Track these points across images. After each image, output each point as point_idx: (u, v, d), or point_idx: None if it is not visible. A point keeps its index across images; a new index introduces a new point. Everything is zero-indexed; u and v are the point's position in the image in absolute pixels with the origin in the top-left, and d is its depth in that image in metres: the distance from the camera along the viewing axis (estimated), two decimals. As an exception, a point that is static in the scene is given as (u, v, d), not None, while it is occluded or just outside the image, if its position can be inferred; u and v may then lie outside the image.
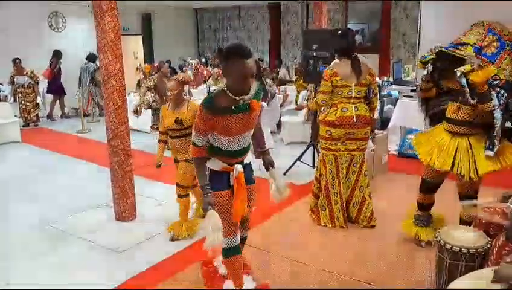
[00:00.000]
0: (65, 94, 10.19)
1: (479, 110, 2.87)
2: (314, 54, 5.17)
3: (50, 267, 3.41)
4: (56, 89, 10.08)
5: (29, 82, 9.33)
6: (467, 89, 2.78)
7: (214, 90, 2.42)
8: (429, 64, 3.09)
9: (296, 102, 8.14)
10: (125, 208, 4.22)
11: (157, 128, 7.01)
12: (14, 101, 9.35)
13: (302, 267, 3.28)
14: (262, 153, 2.73)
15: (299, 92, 8.23)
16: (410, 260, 3.34)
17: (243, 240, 2.81)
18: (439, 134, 3.17)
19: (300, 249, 3.56)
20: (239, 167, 2.50)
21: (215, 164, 2.52)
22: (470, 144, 2.98)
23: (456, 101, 3.03)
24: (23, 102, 9.32)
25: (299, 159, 5.69)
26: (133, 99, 8.43)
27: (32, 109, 9.48)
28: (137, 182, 4.44)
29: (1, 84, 9.40)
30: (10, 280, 3.23)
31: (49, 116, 10.12)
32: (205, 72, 10.56)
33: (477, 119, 2.97)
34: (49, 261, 3.51)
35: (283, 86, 9.31)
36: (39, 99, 9.78)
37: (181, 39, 14.75)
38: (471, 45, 2.87)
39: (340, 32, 3.85)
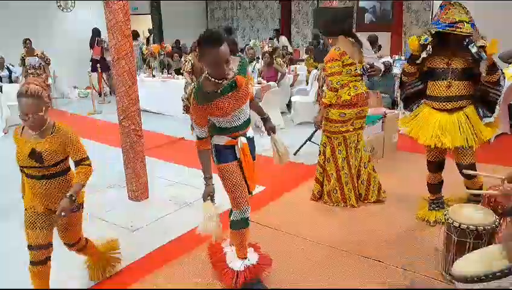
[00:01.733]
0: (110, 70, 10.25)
1: (482, 81, 3.03)
2: (325, 32, 5.10)
3: (63, 247, 3.49)
4: (103, 65, 10.15)
5: (40, 63, 9.38)
6: (486, 62, 2.90)
7: (199, 81, 2.50)
8: (429, 46, 3.13)
9: (307, 82, 8.10)
10: (137, 188, 4.29)
11: (187, 111, 7.00)
12: (26, 82, 9.43)
13: (311, 245, 3.33)
14: (263, 120, 2.89)
15: (309, 72, 8.17)
16: (419, 237, 3.36)
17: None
18: (431, 116, 3.25)
19: (310, 228, 3.60)
20: (243, 139, 2.62)
21: (220, 140, 2.63)
22: (466, 115, 3.15)
23: (444, 79, 3.14)
24: (34, 83, 9.41)
25: (309, 139, 5.69)
26: (144, 79, 8.44)
27: (43, 90, 9.57)
28: (149, 163, 4.50)
29: (12, 65, 9.46)
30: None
31: (100, 94, 10.17)
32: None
33: (469, 92, 3.15)
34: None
35: (293, 66, 9.24)
36: (50, 81, 9.85)
37: (190, 19, 14.64)
38: (466, 22, 2.95)
39: (340, 12, 3.94)
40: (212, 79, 2.44)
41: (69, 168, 2.61)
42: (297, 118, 7.38)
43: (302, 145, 5.65)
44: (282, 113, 7.59)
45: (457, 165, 3.32)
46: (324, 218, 3.82)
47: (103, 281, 2.98)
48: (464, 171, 3.14)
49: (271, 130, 2.87)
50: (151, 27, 13.41)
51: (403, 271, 2.93)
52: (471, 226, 2.52)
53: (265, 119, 2.89)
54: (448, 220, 2.66)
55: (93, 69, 10.19)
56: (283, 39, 11.00)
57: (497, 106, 3.11)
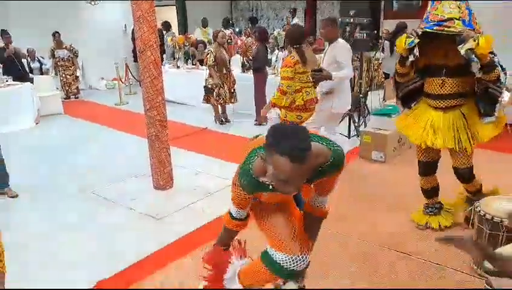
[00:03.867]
0: None
1: (480, 80, 2.78)
2: (351, 20, 5.01)
3: (94, 232, 3.59)
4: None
5: (69, 55, 9.59)
6: (477, 64, 2.68)
7: (252, 161, 1.82)
8: (416, 49, 2.84)
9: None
10: (162, 177, 4.34)
11: (207, 101, 7.04)
12: (55, 74, 9.66)
13: (343, 238, 3.29)
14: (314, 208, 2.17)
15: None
16: (448, 232, 3.25)
17: None
18: (425, 113, 3.07)
19: (341, 220, 3.56)
20: None
21: None
22: (463, 114, 2.95)
23: (438, 76, 2.93)
24: (63, 75, 9.63)
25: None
26: (168, 69, 8.51)
27: (72, 82, 9.79)
28: (174, 152, 4.54)
29: (42, 57, 9.69)
30: (58, 245, 3.43)
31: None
32: (239, 42, 10.47)
33: (465, 89, 2.92)
34: (93, 226, 3.69)
35: (317, 55, 9.11)
36: (78, 73, 10.05)
37: (214, 8, 14.62)
38: (457, 19, 2.71)
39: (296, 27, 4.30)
40: (269, 182, 1.78)
41: None
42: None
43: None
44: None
45: (453, 169, 3.12)
46: (354, 210, 3.77)
47: (130, 267, 3.03)
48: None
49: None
50: (175, 18, 13.47)
51: (435, 265, 2.87)
52: (505, 219, 2.43)
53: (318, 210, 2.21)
54: (479, 212, 2.58)
55: (136, 59, 10.32)
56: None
57: (497, 104, 2.84)
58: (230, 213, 2.09)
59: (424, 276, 2.78)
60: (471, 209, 3.10)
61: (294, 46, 3.88)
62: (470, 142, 2.92)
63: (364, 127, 5.73)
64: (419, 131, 3.05)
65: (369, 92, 6.63)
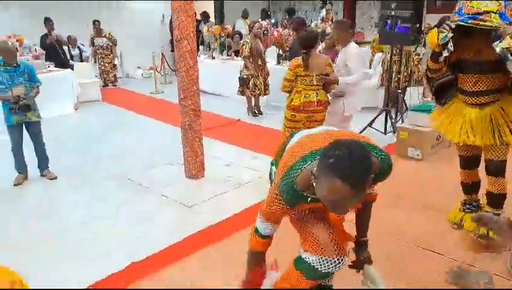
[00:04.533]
0: None
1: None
2: (393, 13, 4.86)
3: (128, 218, 3.67)
4: None
5: (108, 44, 9.82)
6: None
7: (296, 175, 1.65)
8: (450, 44, 2.63)
9: (370, 65, 7.79)
10: (194, 166, 4.37)
11: (242, 93, 7.04)
12: (94, 62, 9.92)
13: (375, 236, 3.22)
14: (359, 242, 2.11)
15: (373, 54, 7.84)
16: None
17: None
18: (461, 110, 2.89)
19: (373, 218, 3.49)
20: None
21: None
22: (502, 109, 2.77)
23: (472, 73, 2.75)
24: (102, 63, 9.88)
25: (369, 125, 5.50)
26: (203, 60, 8.55)
27: (110, 70, 10.03)
28: (206, 142, 4.56)
29: (83, 45, 9.98)
30: (93, 229, 3.53)
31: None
32: (275, 33, 10.39)
33: (501, 85, 2.74)
34: (127, 212, 3.77)
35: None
36: (116, 61, 10.28)
37: (252, 1, 14.57)
38: (494, 12, 2.49)
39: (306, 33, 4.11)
40: (311, 195, 1.67)
41: None
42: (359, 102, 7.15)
43: (362, 131, 5.47)
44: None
45: (485, 161, 2.96)
46: (383, 210, 3.67)
47: (166, 249, 3.08)
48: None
49: (366, 260, 2.09)
50: (212, 9, 13.51)
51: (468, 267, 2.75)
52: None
53: (363, 243, 2.13)
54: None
55: (173, 49, 10.48)
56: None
57: None
58: (257, 231, 1.93)
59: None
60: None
61: (303, 51, 3.93)
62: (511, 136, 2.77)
63: (402, 123, 5.57)
64: (456, 128, 2.91)
65: (407, 88, 6.44)
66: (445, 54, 2.67)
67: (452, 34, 2.58)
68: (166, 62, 10.35)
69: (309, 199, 1.66)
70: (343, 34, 4.33)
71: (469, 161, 3.12)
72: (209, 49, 9.48)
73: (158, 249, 3.12)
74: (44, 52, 8.49)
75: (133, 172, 4.61)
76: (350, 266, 2.07)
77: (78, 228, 3.52)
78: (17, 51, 5.39)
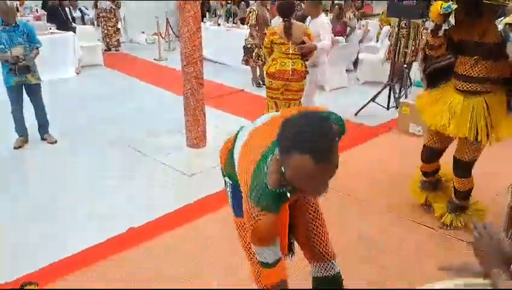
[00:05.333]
0: None
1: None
2: (402, -16, 4.72)
3: (128, 184, 3.67)
4: None
5: (111, 6, 9.61)
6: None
7: (261, 175, 1.41)
8: (452, 16, 2.47)
9: (377, 39, 7.65)
10: (196, 135, 4.35)
11: (246, 62, 6.93)
12: (97, 25, 9.75)
13: (365, 205, 3.23)
14: None
15: (381, 28, 7.67)
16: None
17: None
18: (448, 95, 2.73)
19: (366, 189, 3.49)
20: None
21: None
22: (486, 103, 2.59)
23: (472, 55, 2.54)
24: (105, 26, 9.70)
25: (373, 99, 5.43)
26: (208, 27, 8.38)
27: (113, 34, 9.86)
28: (208, 112, 4.52)
29: (86, 8, 9.78)
30: (95, 197, 3.54)
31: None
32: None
33: (495, 74, 2.54)
34: (127, 179, 3.78)
35: (364, 21, 8.74)
36: (120, 25, 10.10)
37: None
38: None
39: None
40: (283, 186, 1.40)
41: None
42: (363, 76, 7.06)
43: (364, 106, 5.40)
44: (347, 70, 7.28)
45: (454, 159, 2.85)
46: (383, 178, 3.68)
47: (153, 220, 3.10)
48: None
49: None
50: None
51: (467, 244, 2.78)
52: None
53: None
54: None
55: None
56: None
57: None
58: (264, 265, 1.52)
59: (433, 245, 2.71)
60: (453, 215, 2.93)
61: (284, 20, 3.94)
62: (487, 134, 2.60)
63: (405, 98, 5.50)
64: (434, 112, 2.76)
65: (413, 63, 6.32)
66: (445, 26, 2.52)
67: (456, 6, 2.42)
68: (171, 28, 10.16)
69: (288, 193, 1.41)
70: (314, 10, 4.57)
71: (433, 155, 3.00)
72: (215, 16, 9.30)
73: (157, 216, 3.14)
74: (45, 13, 8.33)
75: (134, 139, 4.59)
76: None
77: (77, 192, 3.54)
78: (18, 11, 5.27)
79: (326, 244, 1.81)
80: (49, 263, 2.62)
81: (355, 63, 7.66)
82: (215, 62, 8.29)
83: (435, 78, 2.87)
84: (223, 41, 8.27)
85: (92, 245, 2.79)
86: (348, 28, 7.44)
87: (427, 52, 2.82)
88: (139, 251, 2.77)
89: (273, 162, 1.39)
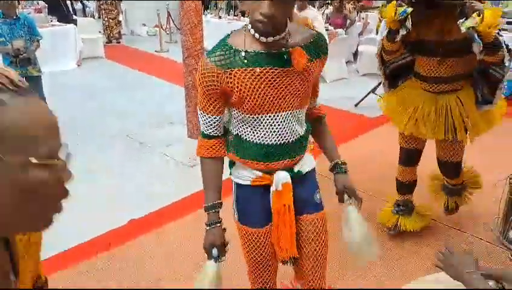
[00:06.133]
0: None
1: (482, 61, 2.25)
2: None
3: (129, 175, 3.73)
4: None
5: (112, -1, 9.61)
6: (479, 45, 2.08)
7: (224, 38, 1.46)
8: (408, 21, 2.23)
9: (377, 31, 7.64)
10: (197, 126, 4.38)
11: None
12: (98, 17, 9.75)
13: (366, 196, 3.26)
14: (334, 166, 1.65)
15: (380, 20, 7.67)
16: (476, 201, 3.15)
17: None
18: (415, 96, 2.54)
19: (373, 181, 3.53)
20: (283, 176, 1.47)
21: (241, 173, 1.58)
22: (460, 100, 2.45)
23: (434, 56, 2.36)
24: (106, 18, 9.70)
25: (373, 91, 5.45)
26: (209, 19, 8.39)
27: (114, 26, 9.87)
28: (209, 103, 4.55)
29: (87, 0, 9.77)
30: (97, 187, 3.59)
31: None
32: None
33: (463, 71, 2.40)
34: (128, 169, 3.83)
35: (364, 13, 8.73)
36: (121, 17, 10.10)
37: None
38: None
39: None
40: (254, 33, 1.34)
41: None
42: (362, 68, 7.07)
43: (364, 97, 5.43)
44: (347, 62, 7.30)
45: (438, 161, 2.69)
46: (385, 171, 3.71)
47: (154, 212, 3.14)
48: None
49: (346, 191, 1.59)
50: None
51: (460, 233, 2.83)
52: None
53: (337, 166, 1.63)
54: (511, 182, 2.48)
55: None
56: None
57: (498, 90, 2.33)
58: (202, 133, 1.53)
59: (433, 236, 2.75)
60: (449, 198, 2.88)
61: None
62: (466, 133, 2.48)
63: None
64: (405, 117, 2.54)
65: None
66: (402, 32, 2.30)
67: (412, 9, 2.20)
68: (172, 20, 10.15)
69: (243, 53, 1.34)
70: (303, 4, 4.46)
71: (411, 156, 2.78)
72: (216, 8, 9.29)
73: (157, 207, 3.19)
74: (46, 5, 8.33)
75: (136, 130, 4.64)
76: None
77: (76, 183, 3.54)
78: (19, 4, 5.29)
79: (319, 278, 1.61)
80: (48, 257, 2.63)
81: (355, 55, 7.67)
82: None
83: (395, 77, 2.69)
84: (224, 34, 8.26)
85: (92, 237, 2.82)
86: (348, 21, 7.44)
87: (383, 57, 2.63)
88: (140, 242, 2.81)
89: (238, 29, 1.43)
